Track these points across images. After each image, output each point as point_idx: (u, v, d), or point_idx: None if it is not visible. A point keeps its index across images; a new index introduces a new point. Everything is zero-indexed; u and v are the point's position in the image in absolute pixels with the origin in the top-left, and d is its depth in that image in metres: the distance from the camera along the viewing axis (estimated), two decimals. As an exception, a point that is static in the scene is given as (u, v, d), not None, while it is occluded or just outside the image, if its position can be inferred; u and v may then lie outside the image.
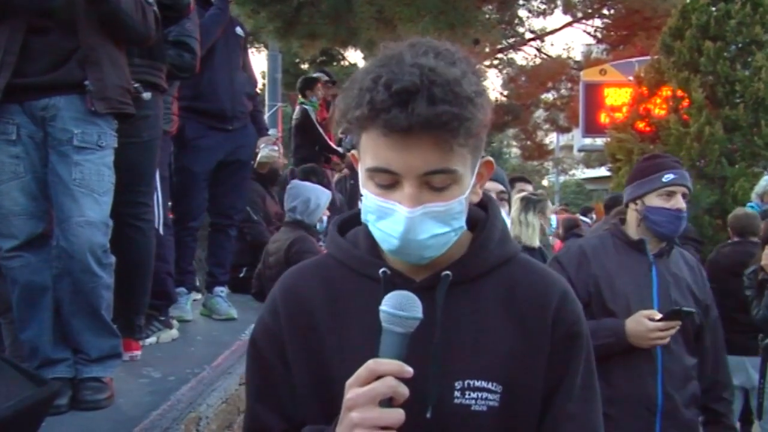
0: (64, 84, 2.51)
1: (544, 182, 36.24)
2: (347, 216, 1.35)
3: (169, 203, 4.21)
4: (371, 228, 1.17)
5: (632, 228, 2.75)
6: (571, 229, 7.62)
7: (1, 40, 2.47)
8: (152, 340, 3.67)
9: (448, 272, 1.18)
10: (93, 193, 2.53)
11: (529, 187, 5.19)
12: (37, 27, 2.49)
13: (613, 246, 2.75)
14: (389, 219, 1.11)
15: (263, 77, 13.99)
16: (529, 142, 24.95)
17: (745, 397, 5.14)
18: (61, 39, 2.51)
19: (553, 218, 6.25)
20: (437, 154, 1.07)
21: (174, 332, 3.87)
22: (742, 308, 4.84)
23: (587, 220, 11.51)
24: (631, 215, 2.77)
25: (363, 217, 1.18)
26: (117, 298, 2.81)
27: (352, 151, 1.23)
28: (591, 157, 24.33)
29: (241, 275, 5.73)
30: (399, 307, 1.07)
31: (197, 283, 5.18)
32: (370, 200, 1.14)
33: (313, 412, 1.20)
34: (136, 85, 2.96)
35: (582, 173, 31.46)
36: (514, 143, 30.73)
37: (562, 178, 34.20)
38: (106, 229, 2.59)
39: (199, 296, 5.09)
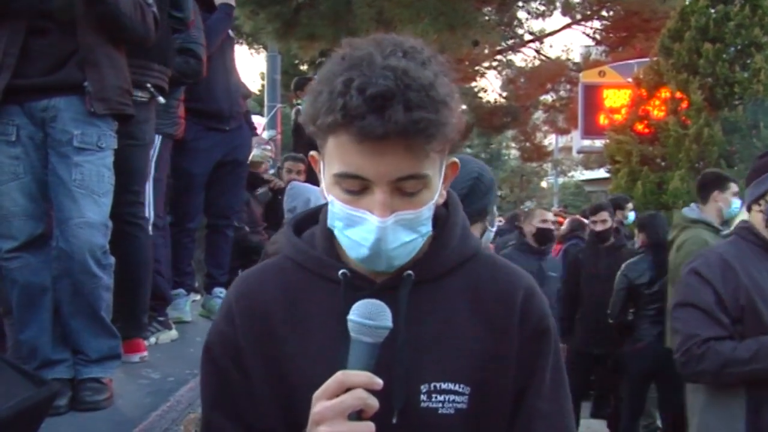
0: (64, 85, 2.51)
1: (543, 184, 36.28)
2: (302, 216, 1.30)
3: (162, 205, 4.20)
4: (338, 235, 1.12)
5: (761, 230, 2.51)
6: (574, 231, 7.56)
7: (0, 42, 2.47)
8: (152, 340, 3.68)
9: (410, 272, 1.13)
10: (93, 194, 2.53)
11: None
12: (36, 28, 2.48)
13: (750, 252, 2.50)
14: (359, 228, 1.07)
15: (262, 78, 14.00)
16: (528, 144, 25.00)
17: None
18: (61, 40, 2.51)
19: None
20: (410, 160, 1.04)
21: (173, 333, 3.88)
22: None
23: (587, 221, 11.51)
24: (757, 217, 2.53)
25: (329, 222, 1.13)
26: (123, 298, 2.83)
27: (312, 153, 1.18)
28: (590, 159, 24.34)
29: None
30: (368, 316, 1.04)
31: (196, 285, 5.18)
32: (337, 207, 1.09)
33: (274, 419, 1.16)
34: (151, 89, 3.08)
35: (581, 175, 31.45)
36: (513, 145, 30.76)
37: (560, 180, 34.20)
38: (105, 230, 2.60)
39: (198, 297, 5.10)
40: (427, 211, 1.10)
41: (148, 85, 3.21)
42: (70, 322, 2.59)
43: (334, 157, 1.07)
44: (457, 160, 1.18)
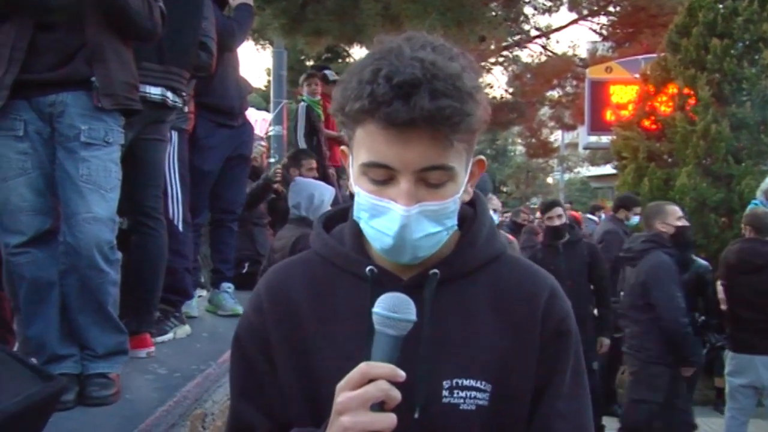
0: (72, 80, 2.51)
1: (549, 180, 36.23)
2: (332, 212, 1.32)
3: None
4: (363, 226, 1.14)
5: None
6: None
7: (8, 37, 2.47)
8: (170, 336, 3.70)
9: (436, 270, 1.15)
10: (100, 189, 2.54)
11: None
12: (44, 23, 2.49)
13: None
14: (383, 217, 1.09)
15: (268, 74, 14.01)
16: (534, 140, 24.95)
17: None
18: (69, 35, 2.51)
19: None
20: (435, 150, 1.05)
21: (187, 328, 3.91)
22: (748, 306, 4.83)
23: (595, 218, 11.49)
24: None
25: (355, 214, 1.15)
26: (136, 292, 2.86)
27: (342, 147, 1.20)
28: (596, 155, 24.31)
29: (244, 271, 5.74)
30: (392, 309, 1.05)
31: (202, 280, 5.19)
32: (363, 198, 1.11)
33: (299, 411, 1.17)
34: (186, 96, 3.34)
35: (587, 171, 31.43)
36: (519, 141, 30.71)
37: (567, 176, 34.15)
38: (112, 225, 2.60)
39: (204, 293, 5.10)
40: (452, 204, 1.10)
41: (184, 93, 3.34)
42: (77, 318, 2.59)
43: (361, 147, 1.09)
44: (483, 158, 1.19)
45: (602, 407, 6.58)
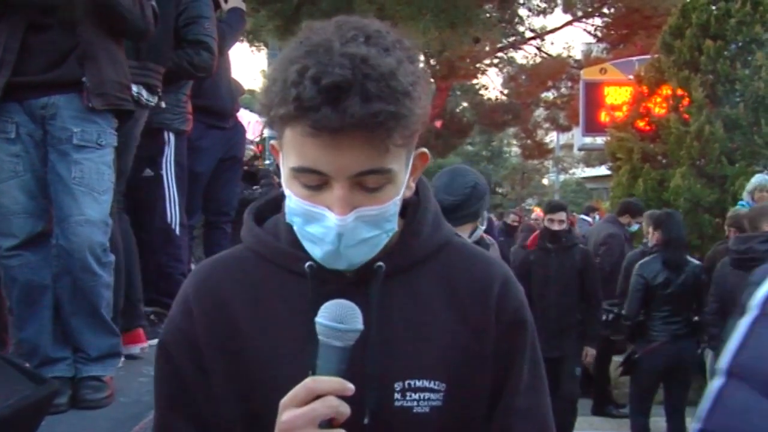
0: (64, 82, 2.51)
1: (545, 181, 36.26)
2: (263, 202, 1.20)
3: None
4: (297, 231, 1.05)
5: None
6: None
7: (1, 37, 2.46)
8: None
9: (381, 263, 1.06)
10: (92, 191, 2.53)
11: None
12: (36, 24, 2.48)
13: None
14: (318, 224, 1.01)
15: (263, 75, 13.97)
16: (529, 141, 25.01)
17: None
18: (61, 36, 2.50)
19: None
20: (370, 154, 0.96)
21: None
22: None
23: (589, 219, 11.51)
24: None
25: (288, 219, 1.06)
26: (120, 292, 2.86)
27: (272, 142, 1.10)
28: (591, 156, 24.34)
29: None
30: (337, 319, 0.97)
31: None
32: (294, 203, 1.02)
33: (232, 416, 1.09)
34: (160, 93, 3.21)
35: (582, 172, 31.46)
36: (514, 142, 30.76)
37: (562, 177, 34.20)
38: (105, 227, 2.59)
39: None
40: (392, 207, 1.02)
41: (159, 90, 3.27)
42: (70, 320, 2.59)
43: (290, 150, 1.00)
44: (426, 150, 1.11)
45: (599, 407, 6.61)
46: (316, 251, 1.03)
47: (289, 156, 1.01)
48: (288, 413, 0.95)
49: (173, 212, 3.75)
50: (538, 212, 12.91)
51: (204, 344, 1.10)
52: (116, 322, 2.79)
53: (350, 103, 0.92)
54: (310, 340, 0.99)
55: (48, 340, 2.56)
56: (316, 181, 0.99)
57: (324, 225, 1.00)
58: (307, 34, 1.00)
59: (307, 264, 1.06)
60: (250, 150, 5.86)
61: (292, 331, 1.07)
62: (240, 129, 4.88)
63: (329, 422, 0.95)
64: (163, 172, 3.71)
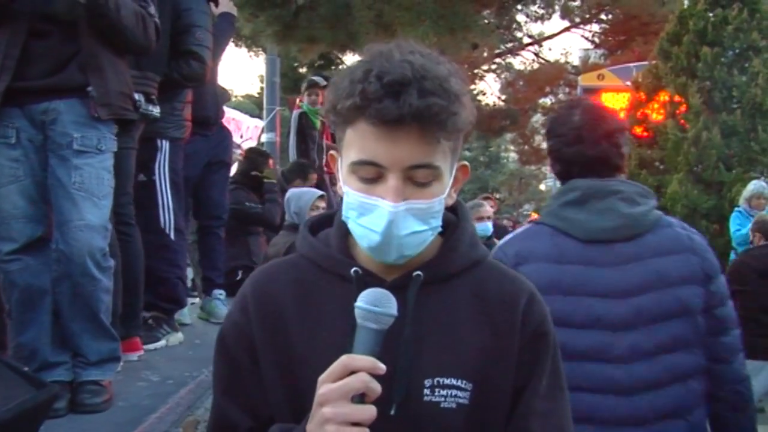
0: (65, 88, 2.52)
1: (542, 186, 36.29)
2: (318, 217, 1.36)
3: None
4: (351, 225, 1.17)
5: None
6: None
7: (1, 44, 2.48)
8: (162, 343, 3.71)
9: (419, 272, 1.19)
10: (92, 196, 2.54)
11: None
12: (37, 30, 2.49)
13: None
14: (371, 215, 1.12)
15: (261, 81, 14.02)
16: (526, 147, 25.03)
17: None
18: (62, 42, 2.52)
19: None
20: (423, 148, 1.09)
21: (180, 335, 3.92)
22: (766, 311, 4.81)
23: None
24: None
25: (344, 215, 1.18)
26: (121, 298, 2.87)
27: (331, 152, 1.25)
28: (589, 162, 24.31)
29: (238, 278, 5.74)
30: (374, 303, 1.07)
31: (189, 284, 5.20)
32: (351, 197, 1.14)
33: (282, 411, 1.20)
34: (152, 106, 3.21)
35: (580, 178, 31.42)
36: (512, 148, 30.79)
37: (559, 183, 34.20)
38: (105, 232, 2.60)
39: (195, 300, 5.10)
40: (437, 204, 1.14)
41: (154, 99, 3.30)
42: (69, 325, 2.59)
43: (351, 147, 1.13)
44: (467, 164, 1.24)
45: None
46: (368, 241, 1.14)
47: (349, 153, 1.14)
48: (324, 387, 1.04)
49: (167, 217, 3.77)
50: (535, 218, 12.92)
51: (257, 336, 1.22)
52: (115, 326, 2.79)
53: (408, 96, 1.06)
54: (351, 335, 1.09)
55: (47, 345, 2.56)
56: (372, 174, 1.11)
57: (377, 214, 1.11)
58: (371, 48, 1.16)
59: (353, 269, 1.19)
60: (238, 154, 5.89)
61: (335, 328, 1.17)
62: (225, 133, 4.91)
63: (361, 398, 1.03)
64: (156, 178, 3.73)
